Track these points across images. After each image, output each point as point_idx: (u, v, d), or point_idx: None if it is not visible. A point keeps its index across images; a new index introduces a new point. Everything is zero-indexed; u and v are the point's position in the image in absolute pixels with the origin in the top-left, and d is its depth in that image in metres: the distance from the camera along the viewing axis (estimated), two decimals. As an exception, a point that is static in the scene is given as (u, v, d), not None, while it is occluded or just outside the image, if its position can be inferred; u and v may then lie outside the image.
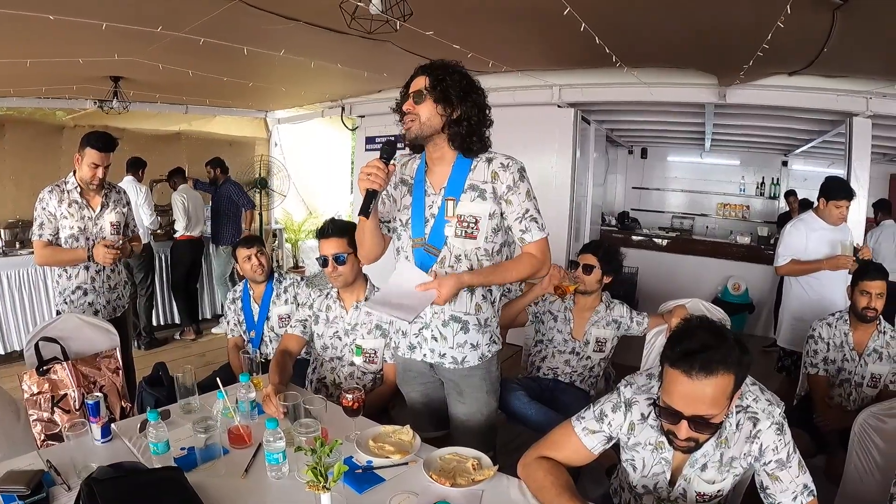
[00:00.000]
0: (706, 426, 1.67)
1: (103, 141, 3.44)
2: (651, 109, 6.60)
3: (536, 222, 2.23)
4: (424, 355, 2.35)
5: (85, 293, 3.60)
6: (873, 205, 6.62)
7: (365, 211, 2.17)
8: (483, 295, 2.32)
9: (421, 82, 2.16)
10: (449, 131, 2.19)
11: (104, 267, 3.63)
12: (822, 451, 3.20)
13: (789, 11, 2.89)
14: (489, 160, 2.24)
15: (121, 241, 3.62)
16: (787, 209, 7.93)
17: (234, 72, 5.61)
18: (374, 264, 2.55)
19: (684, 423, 1.67)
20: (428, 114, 2.15)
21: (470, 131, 2.19)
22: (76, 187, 3.53)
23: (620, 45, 4.16)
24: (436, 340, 2.31)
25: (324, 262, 2.87)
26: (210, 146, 8.17)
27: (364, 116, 7.66)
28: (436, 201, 2.26)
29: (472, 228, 2.21)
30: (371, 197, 2.14)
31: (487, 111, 2.25)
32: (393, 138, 2.22)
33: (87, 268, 3.59)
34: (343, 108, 7.81)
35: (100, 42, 4.20)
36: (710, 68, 5.06)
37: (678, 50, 4.50)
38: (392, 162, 2.16)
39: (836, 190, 4.09)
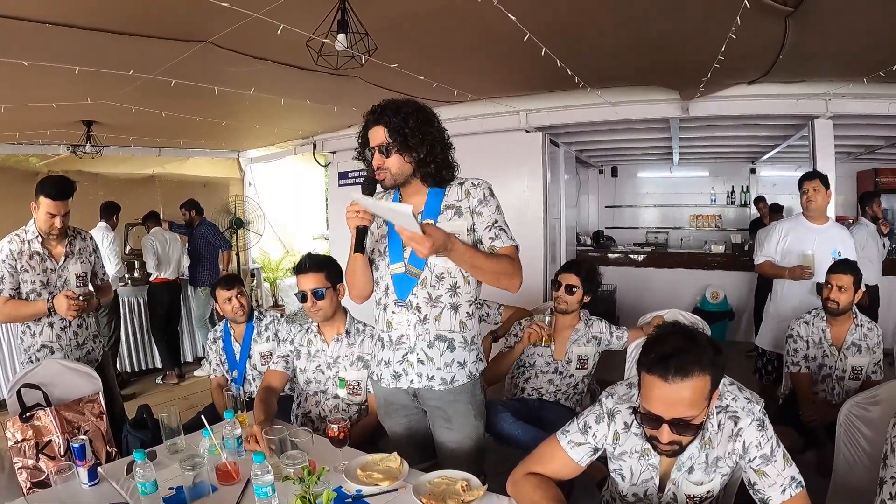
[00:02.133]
0: (687, 428, 1.70)
1: (57, 188, 3.19)
2: (618, 128, 6.68)
3: (505, 232, 2.29)
4: (411, 381, 2.32)
5: (52, 351, 3.33)
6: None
7: (360, 247, 2.19)
8: (468, 312, 2.34)
9: (380, 135, 2.21)
10: (420, 173, 2.25)
11: (70, 322, 3.36)
12: (812, 446, 3.24)
13: (739, 23, 2.97)
14: (461, 183, 2.31)
15: (86, 294, 3.38)
16: (759, 215, 8.09)
17: (206, 111, 5.64)
18: (350, 302, 2.58)
19: (665, 427, 1.69)
20: (397, 165, 2.21)
21: (438, 167, 2.26)
22: (37, 237, 3.27)
23: (581, 67, 4.24)
24: (422, 364, 2.30)
25: (302, 297, 2.87)
26: (184, 188, 8.18)
27: (336, 152, 7.67)
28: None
29: None
30: (362, 234, 2.18)
31: (446, 137, 2.32)
32: (371, 177, 2.24)
33: (51, 324, 3.32)
34: (315, 145, 7.82)
35: (73, 86, 4.21)
36: (671, 83, 5.16)
37: (638, 67, 4.60)
38: (377, 196, 2.26)
39: (801, 177, 4.21)
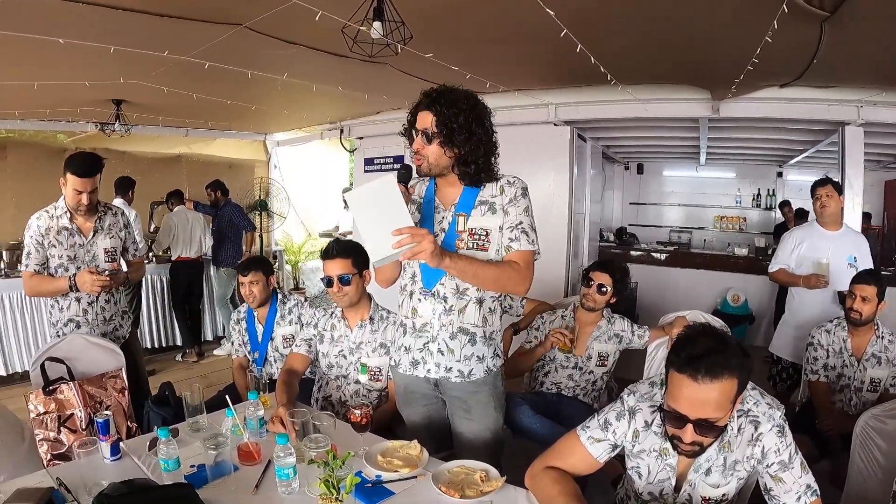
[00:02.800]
0: (711, 429, 1.70)
1: (84, 166, 3.19)
2: (646, 125, 6.60)
3: (527, 235, 2.25)
4: (429, 370, 2.33)
5: (78, 326, 3.36)
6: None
7: None
8: (490, 308, 2.33)
9: (427, 120, 2.16)
10: (458, 171, 2.23)
11: (97, 297, 3.38)
12: (826, 456, 3.22)
13: (776, 26, 2.94)
14: (497, 179, 2.29)
15: (113, 270, 3.40)
16: (783, 220, 8.00)
17: (237, 95, 5.68)
18: (374, 288, 2.60)
19: (690, 426, 1.69)
20: (436, 156, 2.18)
21: (478, 169, 2.22)
22: (66, 212, 3.30)
23: (614, 64, 4.21)
24: (442, 354, 2.30)
25: (328, 282, 2.89)
26: (210, 168, 8.25)
27: (363, 138, 7.65)
28: (446, 217, 2.30)
29: (484, 241, 2.24)
30: None
31: (494, 140, 2.27)
32: (408, 164, 2.24)
33: (78, 299, 3.35)
34: (342, 130, 7.81)
35: (106, 65, 4.25)
36: (702, 83, 5.11)
37: (671, 66, 4.55)
38: (411, 185, 2.25)
39: (814, 184, 4.16)
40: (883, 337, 3.43)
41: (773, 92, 5.11)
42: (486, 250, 2.24)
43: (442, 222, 2.30)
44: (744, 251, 8.23)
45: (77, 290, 3.25)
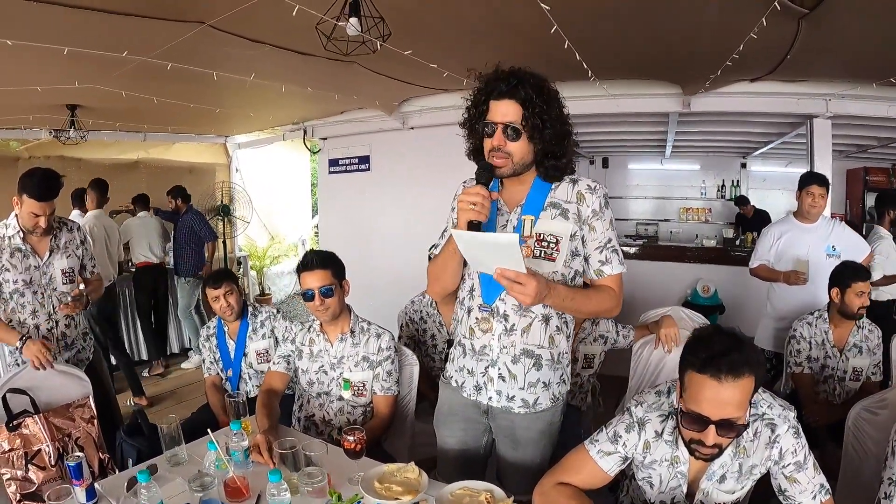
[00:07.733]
0: (732, 429, 1.69)
1: (42, 188, 3.00)
2: (614, 120, 6.59)
3: (618, 254, 2.06)
4: (489, 398, 2.13)
5: None
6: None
7: None
8: (558, 326, 2.10)
9: (512, 111, 1.88)
10: (544, 167, 1.99)
11: (57, 322, 3.22)
12: (813, 446, 3.22)
13: (766, 24, 2.93)
14: (574, 181, 2.05)
15: (76, 296, 3.22)
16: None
17: (201, 98, 5.48)
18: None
19: (712, 428, 1.68)
20: (522, 153, 1.93)
21: (567, 163, 2.02)
22: (18, 231, 3.10)
23: (594, 59, 4.12)
24: (503, 381, 2.09)
25: (310, 296, 2.71)
26: (169, 174, 8.03)
27: (326, 139, 7.51)
28: (511, 220, 2.04)
29: (553, 249, 1.99)
30: (475, 230, 1.81)
31: (573, 130, 2.02)
32: (488, 163, 1.93)
33: (37, 326, 3.16)
34: (305, 131, 7.64)
35: (60, 69, 4.04)
36: (675, 78, 5.10)
37: (646, 61, 4.52)
38: (494, 192, 1.94)
39: (807, 178, 4.18)
40: (863, 327, 3.54)
41: (743, 86, 5.12)
42: (554, 260, 2.01)
43: (506, 226, 2.05)
44: (711, 242, 8.30)
45: (21, 351, 2.98)
